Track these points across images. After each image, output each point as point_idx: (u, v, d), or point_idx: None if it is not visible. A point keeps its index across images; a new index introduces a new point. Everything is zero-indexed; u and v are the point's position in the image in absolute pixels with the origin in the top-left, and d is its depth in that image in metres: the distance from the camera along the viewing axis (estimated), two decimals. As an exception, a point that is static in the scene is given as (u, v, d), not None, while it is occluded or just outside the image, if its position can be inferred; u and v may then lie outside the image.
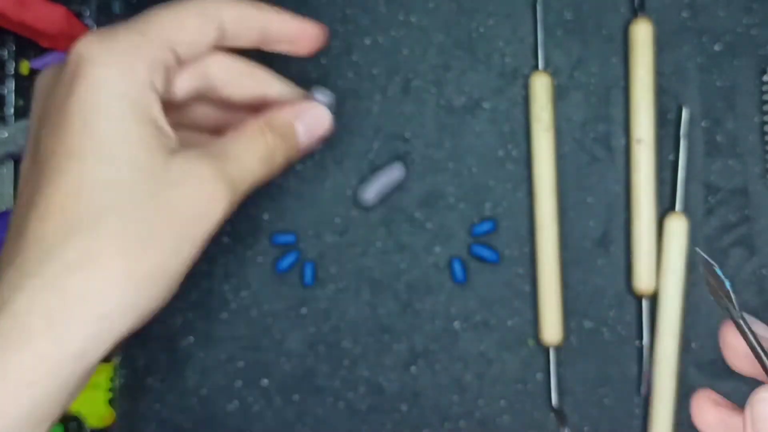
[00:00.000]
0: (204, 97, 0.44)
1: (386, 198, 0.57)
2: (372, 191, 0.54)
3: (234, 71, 0.44)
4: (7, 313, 0.34)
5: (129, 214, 0.35)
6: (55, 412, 0.35)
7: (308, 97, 0.46)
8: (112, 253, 0.34)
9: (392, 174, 0.55)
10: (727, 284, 0.30)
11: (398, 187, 0.57)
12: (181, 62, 0.40)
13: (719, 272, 0.31)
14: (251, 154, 0.40)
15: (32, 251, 0.34)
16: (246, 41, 0.43)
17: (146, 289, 0.36)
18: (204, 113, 0.46)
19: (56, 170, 0.35)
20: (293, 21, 0.44)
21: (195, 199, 0.37)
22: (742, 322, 0.29)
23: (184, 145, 0.42)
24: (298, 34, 0.45)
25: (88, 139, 0.35)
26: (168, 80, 0.39)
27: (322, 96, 0.46)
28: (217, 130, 0.45)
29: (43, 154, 0.36)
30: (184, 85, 0.42)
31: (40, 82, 0.40)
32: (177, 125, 0.42)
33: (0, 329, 0.33)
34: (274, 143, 0.41)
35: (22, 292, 0.34)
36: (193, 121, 0.45)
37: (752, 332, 0.29)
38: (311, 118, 0.44)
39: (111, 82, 0.36)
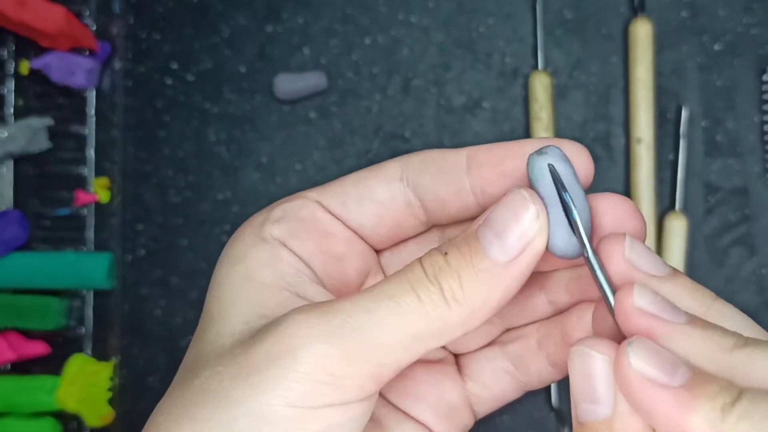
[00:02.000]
0: None
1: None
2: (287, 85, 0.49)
3: None
4: None
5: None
6: None
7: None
8: None
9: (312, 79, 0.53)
10: (575, 213, 0.25)
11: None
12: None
13: (568, 198, 0.25)
14: (402, 302, 0.24)
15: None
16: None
17: None
18: None
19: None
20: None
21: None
22: (592, 257, 0.24)
23: None
24: None
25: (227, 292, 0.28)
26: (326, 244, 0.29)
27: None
28: None
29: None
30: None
31: None
32: None
33: None
34: (431, 263, 0.25)
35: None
36: None
37: (602, 269, 0.25)
38: (501, 213, 0.25)
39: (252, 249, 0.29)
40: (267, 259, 0.28)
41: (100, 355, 0.57)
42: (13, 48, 0.58)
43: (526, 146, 0.27)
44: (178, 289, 0.58)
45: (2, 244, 0.56)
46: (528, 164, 0.26)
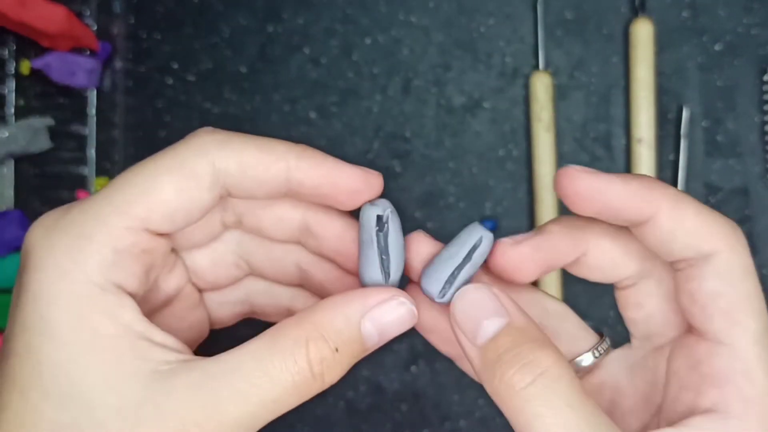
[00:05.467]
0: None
1: (386, 197, 0.57)
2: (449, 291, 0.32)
3: (278, 296, 0.35)
4: None
5: None
6: None
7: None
8: None
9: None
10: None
11: (399, 188, 0.57)
12: (169, 234, 0.30)
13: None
14: (278, 381, 0.27)
15: None
16: (261, 195, 0.30)
17: None
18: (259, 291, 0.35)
19: None
20: (323, 168, 0.30)
21: None
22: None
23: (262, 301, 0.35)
24: (332, 187, 0.30)
25: (30, 368, 0.27)
26: (153, 263, 0.30)
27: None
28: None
29: None
30: (225, 309, 0.35)
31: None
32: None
33: None
34: (322, 359, 0.28)
35: None
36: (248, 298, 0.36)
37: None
38: (386, 317, 0.30)
39: (54, 291, 0.27)
40: (111, 311, 0.27)
41: (101, 355, 0.58)
42: (14, 48, 0.58)
43: (342, 173, 0.30)
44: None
45: (2, 244, 0.56)
46: (361, 210, 0.31)
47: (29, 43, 0.57)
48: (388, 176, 0.57)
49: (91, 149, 0.58)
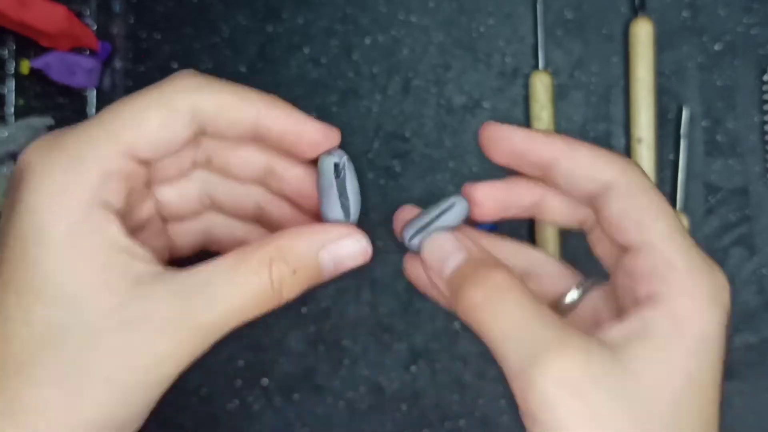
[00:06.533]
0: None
1: (386, 197, 0.57)
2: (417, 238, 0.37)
3: (234, 230, 0.40)
4: None
5: (68, 361, 0.30)
6: None
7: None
8: (45, 403, 0.30)
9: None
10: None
11: (399, 188, 0.57)
12: (148, 163, 0.34)
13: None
14: (244, 292, 0.32)
15: None
16: (232, 136, 0.35)
17: None
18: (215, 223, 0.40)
19: None
20: (290, 118, 0.35)
21: (149, 347, 0.30)
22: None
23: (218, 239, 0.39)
24: (295, 136, 0.35)
25: (24, 272, 0.30)
26: (133, 188, 0.33)
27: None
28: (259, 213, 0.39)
29: None
30: (186, 239, 0.39)
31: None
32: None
33: None
34: (281, 278, 0.32)
35: None
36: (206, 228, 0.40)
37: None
38: (342, 250, 0.34)
39: (51, 204, 0.30)
40: (100, 225, 0.31)
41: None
42: (14, 48, 0.58)
43: (307, 126, 0.35)
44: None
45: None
46: (319, 160, 0.35)
47: (29, 43, 0.57)
48: (388, 176, 0.57)
49: (91, 149, 0.58)
